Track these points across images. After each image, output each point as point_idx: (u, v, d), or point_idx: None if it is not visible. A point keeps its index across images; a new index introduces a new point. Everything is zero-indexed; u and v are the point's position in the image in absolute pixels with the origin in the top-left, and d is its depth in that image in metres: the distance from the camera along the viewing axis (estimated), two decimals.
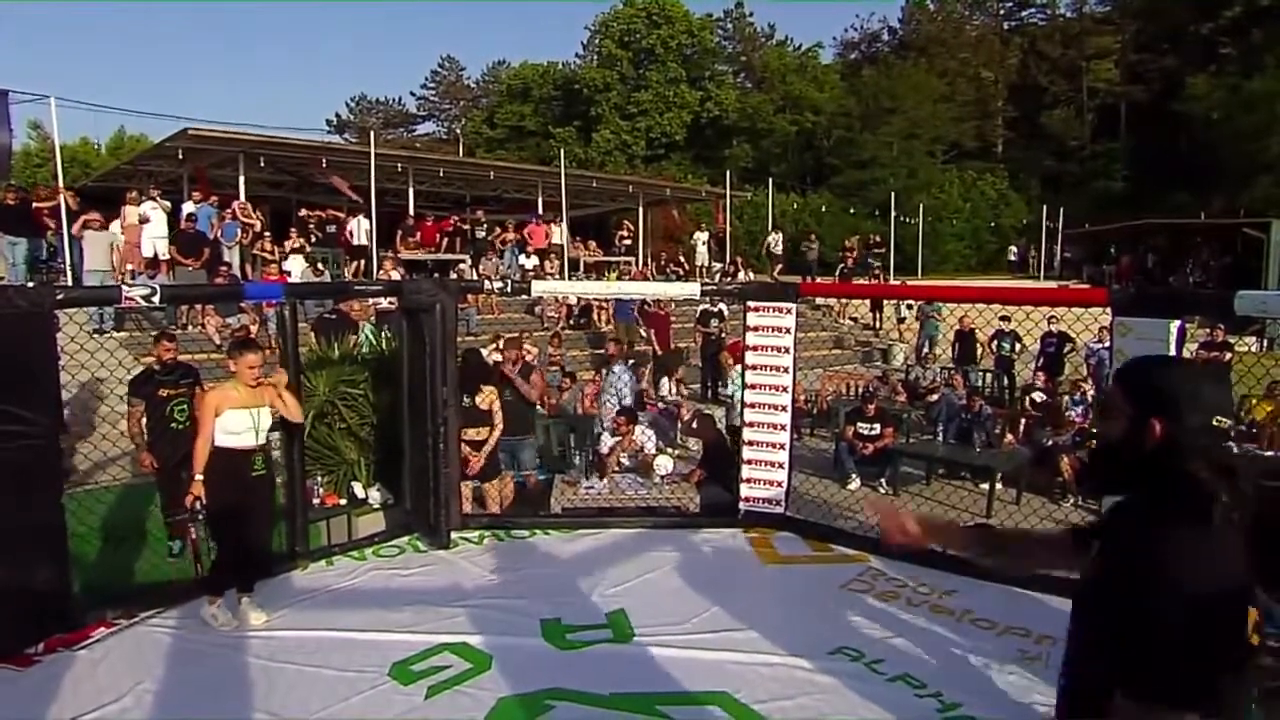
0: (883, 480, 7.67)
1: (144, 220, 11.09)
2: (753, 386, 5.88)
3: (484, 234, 15.60)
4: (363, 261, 13.81)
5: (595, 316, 14.04)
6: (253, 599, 4.31)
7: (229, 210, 12.61)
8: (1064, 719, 1.61)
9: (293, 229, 13.75)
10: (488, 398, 5.94)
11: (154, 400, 5.22)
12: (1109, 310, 4.45)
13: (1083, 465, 5.90)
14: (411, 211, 16.10)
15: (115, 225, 10.90)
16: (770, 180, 22.09)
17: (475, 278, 12.73)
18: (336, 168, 15.64)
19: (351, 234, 14.16)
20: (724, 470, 6.58)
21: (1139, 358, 1.70)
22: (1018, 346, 11.70)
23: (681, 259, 18.94)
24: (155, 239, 11.18)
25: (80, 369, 5.72)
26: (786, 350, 5.78)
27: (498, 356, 7.69)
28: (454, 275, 13.63)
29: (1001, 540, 1.88)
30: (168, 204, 11.93)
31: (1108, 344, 5.36)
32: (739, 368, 8.42)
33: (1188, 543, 1.36)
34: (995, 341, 11.79)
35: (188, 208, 12.08)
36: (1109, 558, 1.50)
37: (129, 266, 10.58)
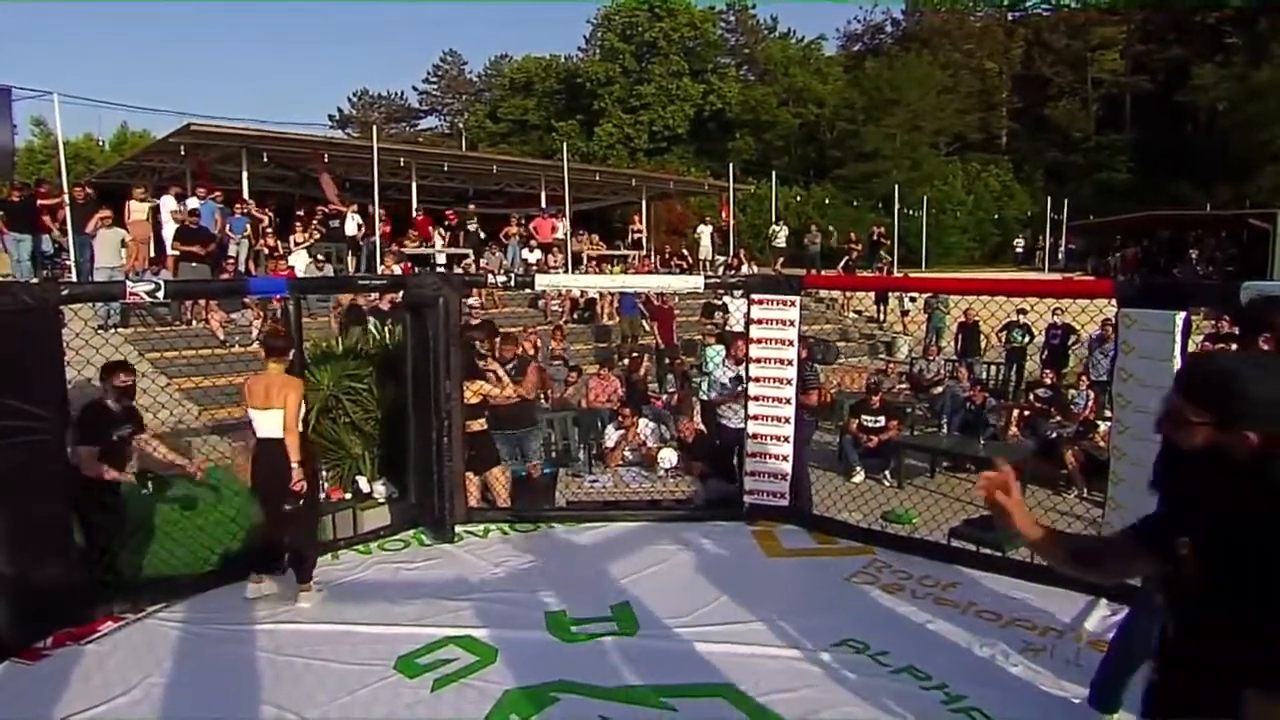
0: (887, 473, 7.66)
1: (174, 213, 11.44)
2: (757, 379, 5.87)
3: (473, 227, 15.52)
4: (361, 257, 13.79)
5: (599, 310, 14.03)
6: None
7: (237, 205, 12.65)
8: (1158, 716, 1.61)
9: (297, 224, 13.74)
10: (474, 392, 5.94)
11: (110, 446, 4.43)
12: (1114, 302, 4.43)
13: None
14: (415, 206, 16.08)
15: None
16: (773, 173, 22.03)
17: (477, 272, 12.71)
18: (337, 163, 15.60)
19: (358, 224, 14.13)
20: (712, 459, 6.57)
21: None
22: (1028, 338, 11.68)
23: (685, 252, 18.92)
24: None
25: (86, 364, 5.72)
26: (791, 343, 5.77)
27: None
28: (459, 270, 13.63)
29: (1071, 547, 1.85)
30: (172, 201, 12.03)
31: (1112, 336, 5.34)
32: (718, 346, 8.39)
33: None
34: (1007, 332, 11.76)
35: (191, 203, 12.11)
36: (1223, 558, 1.46)
37: (136, 264, 10.64)
